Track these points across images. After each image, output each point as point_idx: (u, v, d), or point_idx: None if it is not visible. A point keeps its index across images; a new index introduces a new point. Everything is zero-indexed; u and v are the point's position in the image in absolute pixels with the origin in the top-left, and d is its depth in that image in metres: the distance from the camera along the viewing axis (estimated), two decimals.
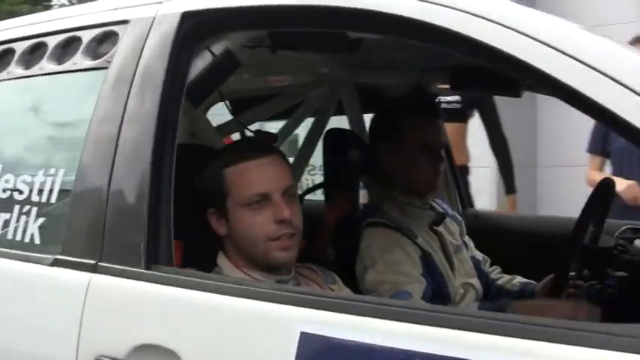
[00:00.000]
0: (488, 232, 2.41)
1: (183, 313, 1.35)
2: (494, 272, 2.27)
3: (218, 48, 1.59)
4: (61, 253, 1.53)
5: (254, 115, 2.44)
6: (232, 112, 2.26)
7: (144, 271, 1.41)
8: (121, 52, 1.59)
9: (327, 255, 2.06)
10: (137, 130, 1.49)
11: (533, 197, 6.57)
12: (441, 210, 2.15)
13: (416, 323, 1.12)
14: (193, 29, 1.52)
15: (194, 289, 1.35)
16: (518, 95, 2.22)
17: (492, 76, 2.15)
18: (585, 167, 3.76)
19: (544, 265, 2.26)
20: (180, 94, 1.52)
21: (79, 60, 1.68)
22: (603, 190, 1.97)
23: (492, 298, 2.16)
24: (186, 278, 1.38)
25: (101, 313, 1.44)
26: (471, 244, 2.25)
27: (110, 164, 1.50)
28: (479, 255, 2.26)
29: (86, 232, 1.51)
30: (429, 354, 1.06)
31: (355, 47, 1.50)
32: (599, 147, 3.61)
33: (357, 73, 2.39)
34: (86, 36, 1.69)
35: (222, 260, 1.62)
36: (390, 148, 2.01)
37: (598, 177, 3.46)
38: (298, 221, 1.58)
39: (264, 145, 1.66)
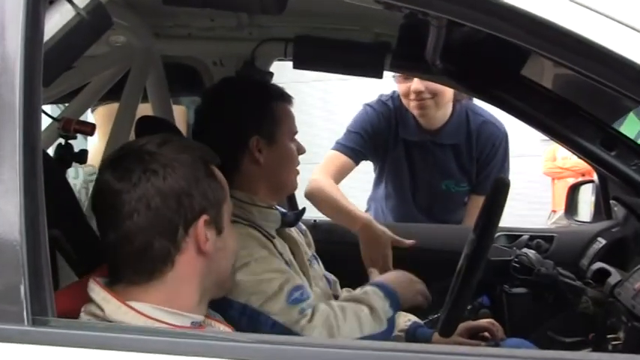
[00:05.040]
0: (330, 244, 2.08)
1: None
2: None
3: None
4: None
5: None
6: None
7: (30, 328, 0.95)
8: None
9: None
10: None
11: None
12: (282, 210, 1.81)
13: None
14: None
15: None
16: (380, 76, 2.03)
17: (349, 53, 1.96)
18: None
19: None
20: (41, 66, 1.06)
21: None
22: (497, 191, 1.53)
23: None
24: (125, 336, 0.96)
25: None
26: (320, 261, 1.89)
27: None
28: (330, 275, 1.91)
29: None
30: None
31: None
32: None
33: (165, 43, 2.00)
34: None
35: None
36: (260, 141, 1.63)
37: None
38: None
39: None
